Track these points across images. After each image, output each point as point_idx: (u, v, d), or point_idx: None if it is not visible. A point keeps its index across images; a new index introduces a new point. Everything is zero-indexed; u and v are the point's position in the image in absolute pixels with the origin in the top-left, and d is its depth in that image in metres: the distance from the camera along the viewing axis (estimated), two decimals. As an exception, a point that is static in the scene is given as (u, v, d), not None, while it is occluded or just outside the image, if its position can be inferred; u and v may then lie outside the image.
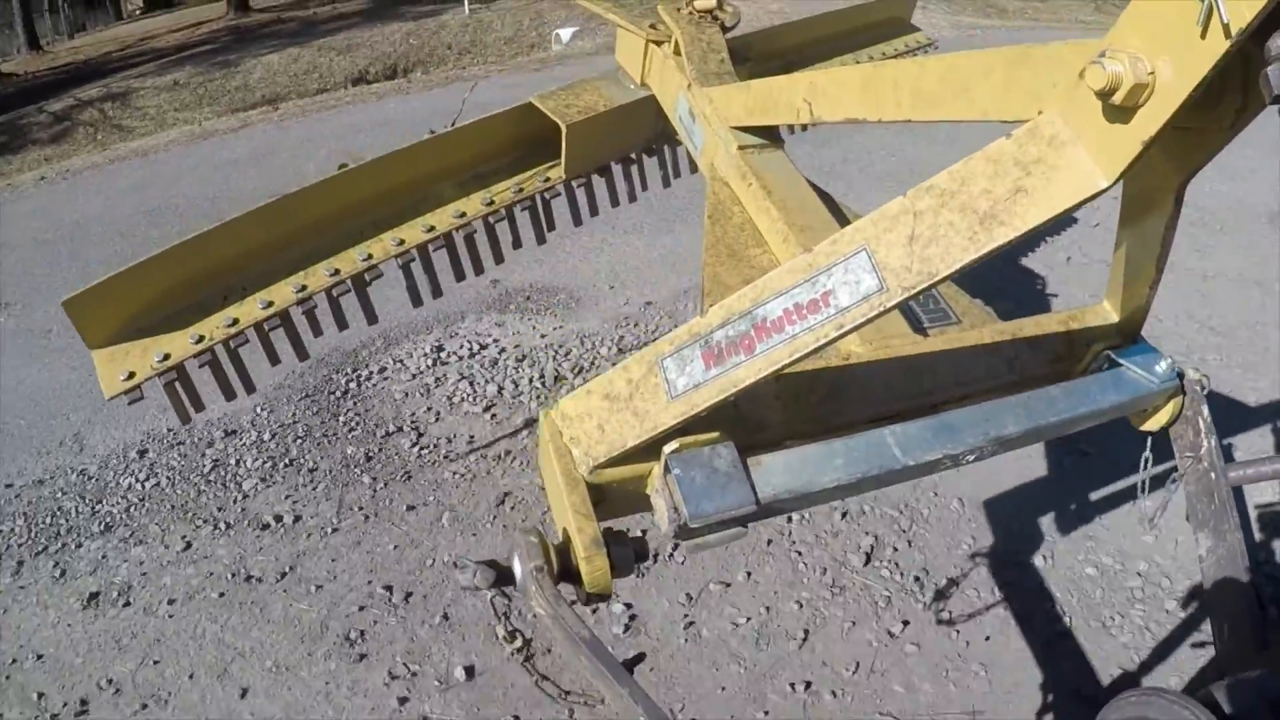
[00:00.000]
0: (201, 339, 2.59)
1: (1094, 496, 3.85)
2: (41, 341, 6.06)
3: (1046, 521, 3.74)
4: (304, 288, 2.75)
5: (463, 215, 3.02)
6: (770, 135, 2.48)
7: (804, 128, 2.52)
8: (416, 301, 3.22)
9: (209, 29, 19.79)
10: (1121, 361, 1.89)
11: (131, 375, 2.50)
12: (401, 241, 2.91)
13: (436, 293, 3.24)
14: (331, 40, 16.64)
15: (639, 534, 1.62)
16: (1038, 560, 3.54)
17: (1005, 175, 1.22)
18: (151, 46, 19.59)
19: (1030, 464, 4.02)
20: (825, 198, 2.41)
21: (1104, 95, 1.10)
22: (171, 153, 10.77)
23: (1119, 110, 1.11)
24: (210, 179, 9.36)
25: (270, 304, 2.69)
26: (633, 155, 3.49)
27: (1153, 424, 2.00)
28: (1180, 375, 1.91)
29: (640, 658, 2.83)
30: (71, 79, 17.70)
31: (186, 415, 2.72)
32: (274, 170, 9.12)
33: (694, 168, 2.91)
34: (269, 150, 10.23)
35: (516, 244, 3.42)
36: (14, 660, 3.33)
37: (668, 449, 1.49)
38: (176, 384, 2.61)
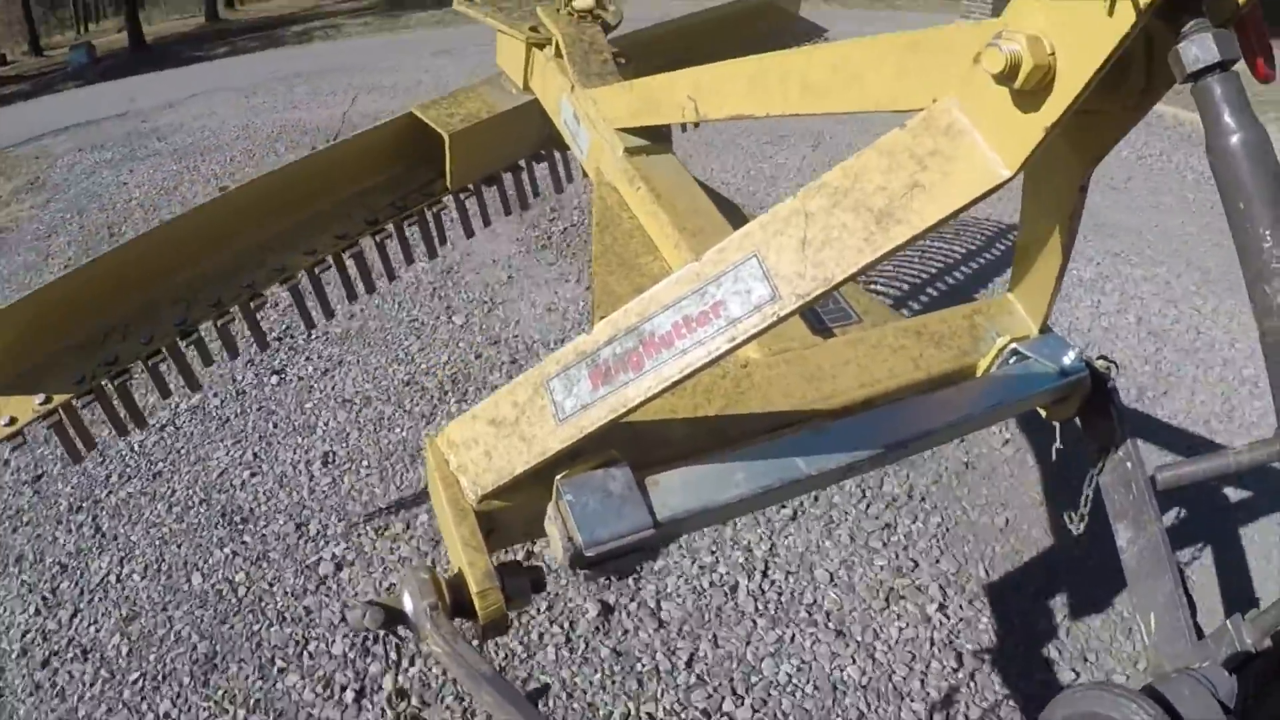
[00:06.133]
0: (83, 379, 2.46)
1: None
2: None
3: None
4: (185, 320, 2.63)
5: (345, 236, 2.90)
6: (658, 136, 2.40)
7: (695, 125, 2.45)
8: (309, 324, 3.11)
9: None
10: (1029, 354, 1.84)
11: (13, 420, 2.36)
12: (283, 268, 2.78)
13: (328, 314, 3.14)
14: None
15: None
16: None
17: (900, 169, 1.14)
18: (323, 10, 29.68)
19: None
20: (725, 203, 2.34)
21: (1002, 79, 1.02)
22: (376, 39, 19.05)
23: (1019, 95, 1.04)
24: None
25: (151, 339, 2.57)
26: (520, 162, 3.39)
27: (1062, 414, 1.96)
28: (1089, 364, 1.87)
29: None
30: (279, 22, 26.89)
31: (78, 455, 2.58)
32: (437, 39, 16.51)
33: (584, 172, 2.83)
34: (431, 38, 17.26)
35: (408, 259, 3.33)
36: None
37: (559, 474, 1.40)
38: (64, 424, 2.47)
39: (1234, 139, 1.03)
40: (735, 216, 2.27)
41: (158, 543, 3.73)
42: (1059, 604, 3.31)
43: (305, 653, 3.18)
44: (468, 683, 1.33)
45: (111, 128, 10.52)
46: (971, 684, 3.01)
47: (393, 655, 3.04)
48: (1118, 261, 6.08)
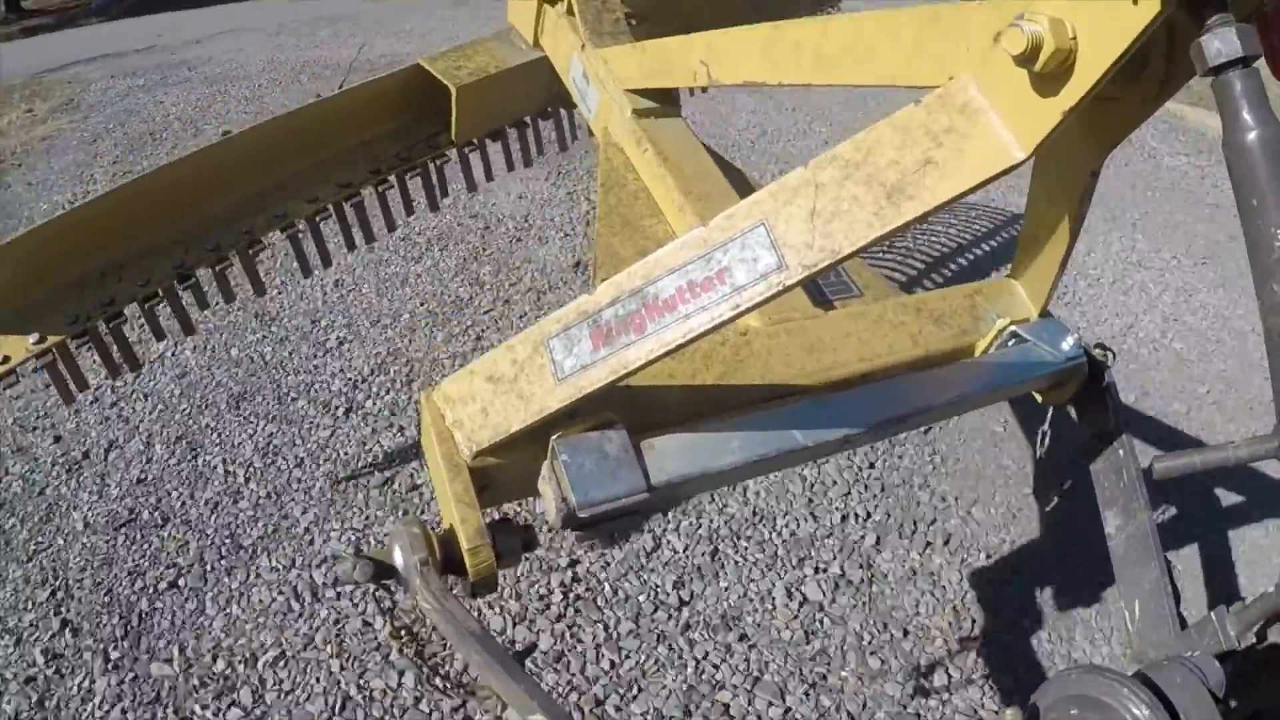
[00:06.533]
0: (77, 320, 2.45)
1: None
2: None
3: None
4: (183, 264, 2.61)
5: (349, 185, 2.88)
6: (667, 99, 2.37)
7: (704, 90, 2.43)
8: (306, 272, 3.09)
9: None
10: (1028, 337, 1.84)
11: (6, 359, 2.37)
12: (284, 214, 2.76)
13: (326, 262, 3.12)
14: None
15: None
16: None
17: (914, 145, 1.13)
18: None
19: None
20: (731, 170, 2.32)
21: (1022, 61, 1.01)
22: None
23: (1038, 78, 1.03)
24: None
25: (148, 282, 2.56)
26: (526, 119, 3.36)
27: (1057, 399, 1.97)
28: (1086, 351, 1.87)
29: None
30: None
31: (70, 395, 2.58)
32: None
33: (590, 132, 2.80)
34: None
35: (409, 210, 3.31)
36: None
37: (555, 434, 1.40)
38: (57, 364, 2.48)
39: (1251, 135, 1.02)
40: (741, 183, 2.26)
41: (204, 334, 4.78)
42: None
43: (312, 390, 4.35)
44: (455, 640, 1.33)
45: (140, 59, 10.74)
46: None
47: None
48: (1019, 195, 6.18)
